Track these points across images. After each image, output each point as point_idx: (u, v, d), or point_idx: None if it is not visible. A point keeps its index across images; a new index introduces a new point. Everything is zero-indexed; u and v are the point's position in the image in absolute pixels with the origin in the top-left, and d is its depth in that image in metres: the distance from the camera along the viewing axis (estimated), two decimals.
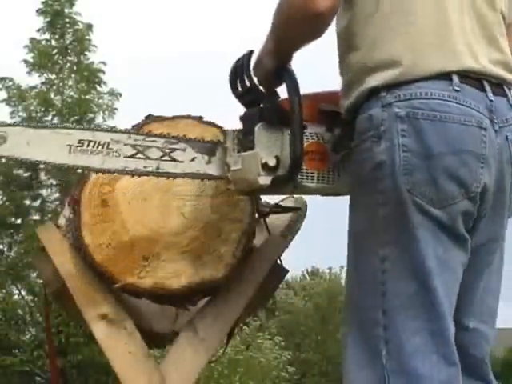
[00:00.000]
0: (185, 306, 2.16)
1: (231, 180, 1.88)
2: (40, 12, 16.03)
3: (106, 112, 16.00)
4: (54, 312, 10.03)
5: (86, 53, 16.02)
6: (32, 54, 15.81)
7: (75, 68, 15.96)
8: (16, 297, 16.00)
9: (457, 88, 1.61)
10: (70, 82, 15.95)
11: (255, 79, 1.84)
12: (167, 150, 1.94)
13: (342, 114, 1.77)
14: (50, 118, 15.85)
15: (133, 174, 1.94)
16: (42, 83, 15.90)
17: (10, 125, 1.99)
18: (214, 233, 2.06)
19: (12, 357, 14.84)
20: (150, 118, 2.20)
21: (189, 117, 2.20)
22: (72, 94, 15.90)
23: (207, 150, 1.94)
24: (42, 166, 14.81)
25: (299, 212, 2.31)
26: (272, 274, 2.17)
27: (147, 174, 1.94)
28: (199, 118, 2.20)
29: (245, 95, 1.86)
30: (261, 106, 1.83)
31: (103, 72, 16.04)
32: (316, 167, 1.80)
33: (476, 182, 1.60)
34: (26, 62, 15.77)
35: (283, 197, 2.34)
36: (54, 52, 15.90)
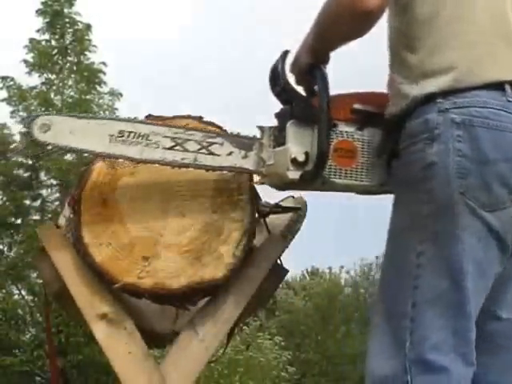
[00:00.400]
0: (185, 306, 2.15)
1: (265, 174, 1.97)
2: (40, 12, 16.01)
3: (107, 112, 16.00)
4: (54, 312, 10.04)
5: (86, 53, 16.02)
6: (32, 54, 15.80)
7: (75, 68, 15.95)
8: (16, 297, 16.00)
9: (510, 98, 1.68)
10: (70, 82, 15.95)
11: (291, 77, 1.91)
12: (205, 144, 2.02)
13: (377, 114, 1.84)
14: None
15: (171, 165, 2.02)
16: (42, 83, 15.89)
17: (54, 114, 2.09)
18: (214, 233, 2.06)
19: (12, 357, 14.83)
20: (150, 118, 2.20)
21: (189, 117, 2.20)
22: (72, 93, 15.90)
23: (244, 145, 2.02)
24: (42, 167, 14.83)
25: (299, 212, 2.31)
26: (272, 274, 2.17)
27: (184, 165, 2.02)
28: (199, 118, 2.20)
29: (281, 94, 1.93)
30: (293, 103, 1.90)
31: (103, 73, 16.04)
32: (344, 164, 1.87)
33: None
34: (25, 62, 15.77)
35: (283, 197, 2.34)
36: (54, 52, 15.89)
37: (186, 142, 2.01)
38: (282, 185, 1.95)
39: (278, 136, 1.93)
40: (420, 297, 1.65)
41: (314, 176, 1.85)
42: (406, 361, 1.63)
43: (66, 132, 2.02)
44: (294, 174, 1.87)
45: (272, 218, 2.26)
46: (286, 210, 2.30)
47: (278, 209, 2.29)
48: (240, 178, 2.10)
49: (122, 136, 2.01)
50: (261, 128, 2.00)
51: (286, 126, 1.89)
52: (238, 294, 2.11)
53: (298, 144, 1.86)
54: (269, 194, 2.20)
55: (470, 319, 1.64)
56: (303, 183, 1.89)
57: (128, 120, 2.06)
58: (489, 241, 1.66)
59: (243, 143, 2.02)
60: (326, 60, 1.88)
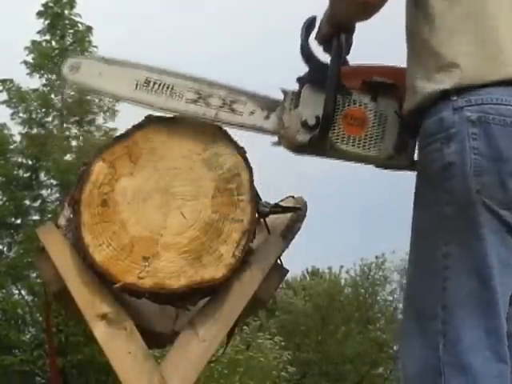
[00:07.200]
0: (185, 306, 2.15)
1: (283, 137, 2.00)
2: (40, 14, 16.00)
3: (107, 113, 16.01)
4: (53, 312, 10.03)
5: (87, 54, 15.99)
6: (32, 55, 15.78)
7: None
8: (16, 297, 16.00)
9: None
10: None
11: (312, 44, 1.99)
12: (228, 101, 2.05)
13: (393, 85, 1.89)
14: (50, 118, 15.86)
15: (192, 117, 2.06)
16: (43, 85, 15.87)
17: (85, 56, 2.15)
18: (214, 233, 2.06)
19: (12, 356, 14.83)
20: (150, 118, 2.20)
21: None
22: (73, 94, 15.89)
23: (267, 106, 2.06)
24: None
25: (299, 212, 2.31)
26: (272, 274, 2.17)
27: (205, 119, 2.06)
28: None
29: (306, 59, 1.99)
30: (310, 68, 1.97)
31: None
32: (353, 132, 1.92)
33: None
34: (26, 63, 15.76)
35: (283, 197, 2.34)
36: (55, 53, 15.88)
37: (209, 97, 2.05)
38: (294, 148, 1.99)
39: (295, 99, 1.98)
40: (450, 298, 1.65)
41: (320, 139, 1.90)
42: (440, 363, 1.62)
43: (95, 74, 2.09)
44: (303, 137, 1.92)
45: (272, 218, 2.26)
46: (286, 210, 2.30)
47: (277, 209, 2.29)
48: (240, 178, 2.10)
49: (148, 84, 2.06)
50: (284, 91, 2.04)
51: (302, 89, 1.95)
52: (238, 293, 2.11)
53: (311, 108, 1.92)
54: (269, 194, 2.20)
55: (500, 316, 1.65)
56: (312, 147, 1.94)
57: (155, 69, 2.10)
58: (507, 238, 1.66)
59: (266, 104, 2.06)
60: (346, 30, 1.93)
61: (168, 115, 2.12)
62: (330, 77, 1.89)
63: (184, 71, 2.12)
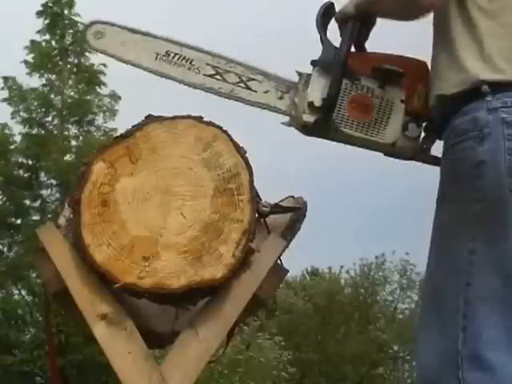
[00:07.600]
0: (185, 306, 2.16)
1: (293, 117, 2.06)
2: (40, 14, 15.99)
3: (107, 113, 16.00)
4: (53, 312, 10.03)
5: (87, 54, 15.99)
6: (32, 55, 15.78)
7: (75, 70, 15.94)
8: (16, 297, 16.00)
9: None
10: (70, 82, 15.94)
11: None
12: (244, 78, 2.11)
13: (401, 74, 1.91)
14: (50, 118, 15.86)
15: (208, 91, 2.13)
16: (43, 85, 15.87)
17: (110, 23, 2.18)
18: (214, 233, 2.06)
19: (12, 356, 14.82)
20: (150, 118, 2.20)
21: (189, 117, 2.20)
22: (72, 94, 15.90)
23: (282, 87, 2.12)
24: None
25: (299, 212, 2.31)
26: (272, 274, 2.17)
27: (220, 95, 2.13)
28: (199, 118, 2.20)
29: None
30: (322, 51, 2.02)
31: (104, 74, 16.02)
32: (357, 116, 1.96)
33: None
34: (26, 62, 15.75)
35: (283, 197, 2.35)
36: (54, 53, 15.87)
37: (226, 73, 2.11)
38: (301, 128, 2.03)
39: (307, 81, 2.03)
40: (472, 294, 1.65)
41: (324, 121, 1.94)
42: (459, 357, 1.62)
43: (118, 43, 2.15)
44: (308, 118, 1.97)
45: (272, 218, 2.26)
46: (286, 210, 2.30)
47: (278, 209, 2.29)
48: (240, 178, 2.10)
49: (168, 56, 2.12)
50: (299, 73, 2.09)
51: (312, 72, 2.00)
52: (238, 294, 2.11)
53: (318, 90, 1.97)
54: (269, 194, 2.20)
55: None
56: (317, 129, 1.99)
57: (177, 42, 2.16)
58: None
59: (281, 85, 2.11)
60: (367, 19, 1.95)
61: (187, 88, 2.17)
62: (336, 60, 1.93)
63: (204, 47, 2.18)
